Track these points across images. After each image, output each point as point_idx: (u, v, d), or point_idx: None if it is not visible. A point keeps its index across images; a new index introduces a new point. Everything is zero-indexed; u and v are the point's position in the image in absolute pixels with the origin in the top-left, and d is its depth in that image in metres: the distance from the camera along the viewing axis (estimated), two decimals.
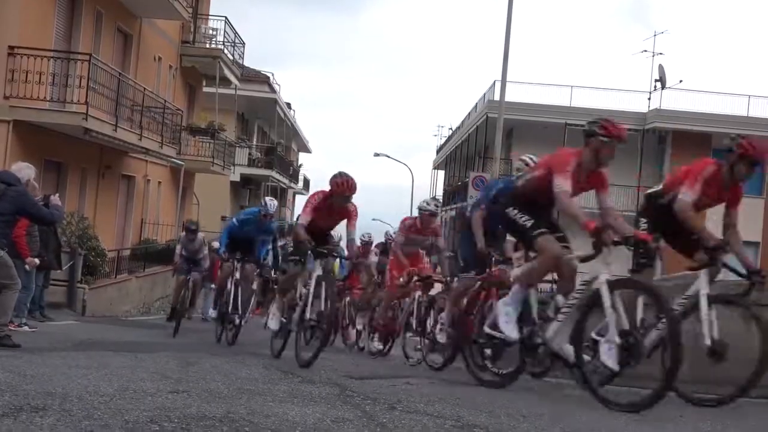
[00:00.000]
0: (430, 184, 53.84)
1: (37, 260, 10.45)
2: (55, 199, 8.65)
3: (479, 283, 7.09)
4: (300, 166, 52.37)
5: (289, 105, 44.41)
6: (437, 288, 9.50)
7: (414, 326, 9.11)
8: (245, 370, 5.92)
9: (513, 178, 7.85)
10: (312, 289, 7.38)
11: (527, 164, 7.37)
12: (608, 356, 5.13)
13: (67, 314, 14.81)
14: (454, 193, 37.30)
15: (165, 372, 5.36)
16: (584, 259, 5.57)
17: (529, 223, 5.76)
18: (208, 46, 26.33)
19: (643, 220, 6.30)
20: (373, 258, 12.05)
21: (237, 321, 10.29)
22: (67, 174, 17.99)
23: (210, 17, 27.47)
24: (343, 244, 8.95)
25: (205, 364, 6.24)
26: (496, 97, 23.80)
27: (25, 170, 8.26)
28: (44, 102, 15.78)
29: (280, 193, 44.93)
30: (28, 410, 3.45)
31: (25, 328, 10.17)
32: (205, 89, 28.19)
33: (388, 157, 44.49)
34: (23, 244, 10.09)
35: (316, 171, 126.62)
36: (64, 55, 16.61)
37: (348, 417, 3.85)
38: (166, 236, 24.48)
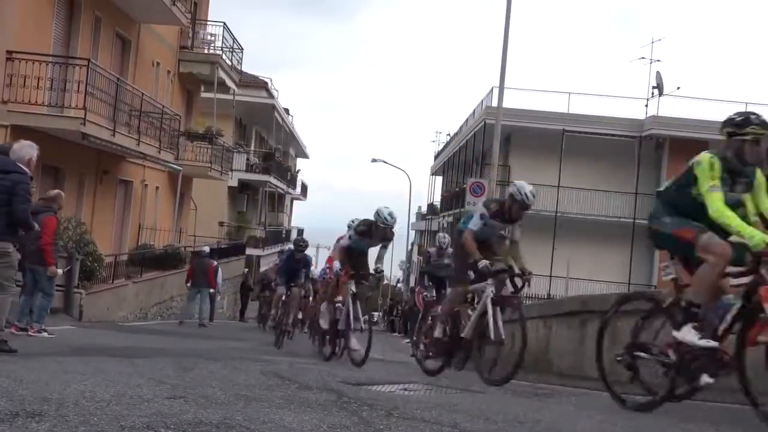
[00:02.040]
0: (427, 190, 53.93)
1: (60, 270, 10.48)
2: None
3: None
4: (298, 171, 52.42)
5: (287, 110, 44.45)
6: None
7: None
8: (242, 376, 5.91)
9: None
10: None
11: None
12: None
13: (64, 320, 14.78)
14: (452, 199, 37.32)
15: (161, 377, 5.35)
16: None
17: None
18: (206, 51, 26.36)
19: None
20: None
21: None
22: (65, 179, 17.97)
23: (208, 23, 27.52)
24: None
25: (202, 370, 6.23)
26: (494, 104, 23.83)
27: (26, 149, 7.70)
28: (42, 107, 15.77)
29: (277, 199, 44.95)
30: (24, 416, 3.44)
31: (44, 334, 10.19)
32: (203, 94, 28.21)
33: (386, 162, 44.60)
34: (50, 252, 10.12)
35: (314, 177, 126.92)
36: (63, 60, 16.63)
37: (345, 423, 3.85)
38: (164, 241, 24.47)
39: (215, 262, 22.71)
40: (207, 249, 22.34)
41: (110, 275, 18.59)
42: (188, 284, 20.46)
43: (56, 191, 11.12)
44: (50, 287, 10.45)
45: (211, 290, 20.54)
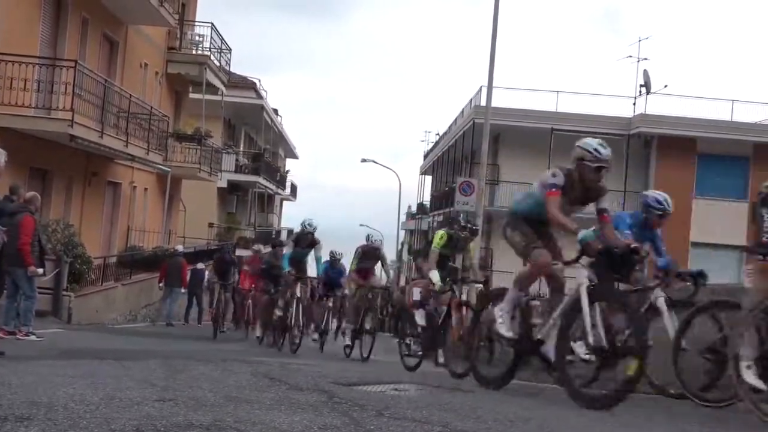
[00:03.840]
0: (417, 189, 53.97)
1: (40, 270, 10.43)
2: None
3: None
4: (287, 172, 52.32)
5: (276, 111, 44.36)
6: None
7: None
8: (232, 378, 5.89)
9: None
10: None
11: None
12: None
13: (53, 322, 14.71)
14: (441, 198, 37.35)
15: (151, 380, 5.33)
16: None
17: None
18: (194, 52, 26.29)
19: None
20: None
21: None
22: (53, 181, 17.90)
23: (196, 23, 27.45)
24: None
25: (193, 372, 6.21)
26: (483, 103, 23.84)
27: None
28: (29, 109, 15.70)
29: (267, 200, 44.88)
30: (12, 420, 3.42)
31: (32, 337, 10.13)
32: (192, 95, 28.12)
33: (375, 162, 44.56)
34: (28, 252, 10.07)
35: (304, 176, 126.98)
36: (50, 62, 16.55)
37: (335, 424, 3.85)
38: (153, 243, 24.38)
39: (202, 265, 22.70)
40: (180, 248, 22.45)
41: (99, 277, 18.52)
42: (161, 284, 20.52)
43: (32, 193, 11.07)
44: (30, 289, 10.37)
45: (183, 290, 20.54)
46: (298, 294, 12.20)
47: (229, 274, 17.96)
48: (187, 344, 12.88)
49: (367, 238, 12.54)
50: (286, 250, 12.70)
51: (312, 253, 12.80)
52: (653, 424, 4.85)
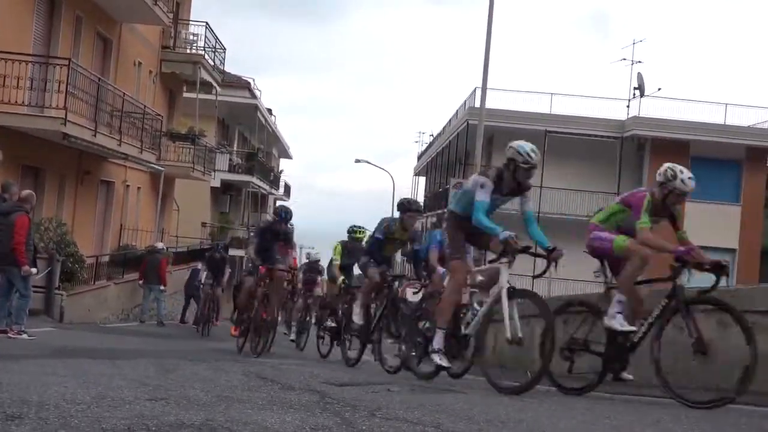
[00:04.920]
0: (411, 190, 53.96)
1: (34, 270, 10.42)
2: None
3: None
4: (281, 172, 52.28)
5: (270, 111, 44.32)
6: None
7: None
8: (224, 377, 5.89)
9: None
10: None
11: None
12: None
13: (45, 321, 14.67)
14: (435, 199, 37.38)
15: (143, 379, 5.33)
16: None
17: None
18: (188, 51, 26.25)
19: None
20: None
21: None
22: (46, 180, 17.85)
23: (191, 22, 27.41)
24: None
25: (184, 371, 6.20)
26: (477, 104, 23.91)
27: None
28: (22, 107, 15.65)
29: (260, 199, 44.83)
30: (3, 418, 3.41)
31: (24, 336, 10.11)
32: (186, 95, 28.09)
33: (369, 163, 44.53)
34: (22, 252, 10.06)
35: (297, 177, 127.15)
36: (43, 60, 16.50)
37: (327, 424, 3.84)
38: (146, 242, 24.33)
39: (201, 265, 22.52)
40: (160, 245, 22.13)
41: (92, 276, 18.48)
42: (140, 282, 20.14)
43: (28, 191, 11.06)
44: (25, 288, 10.37)
45: (162, 287, 20.08)
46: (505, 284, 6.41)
47: (222, 272, 18.66)
48: (179, 343, 12.86)
49: None
50: (481, 196, 6.46)
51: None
52: (643, 426, 4.86)
